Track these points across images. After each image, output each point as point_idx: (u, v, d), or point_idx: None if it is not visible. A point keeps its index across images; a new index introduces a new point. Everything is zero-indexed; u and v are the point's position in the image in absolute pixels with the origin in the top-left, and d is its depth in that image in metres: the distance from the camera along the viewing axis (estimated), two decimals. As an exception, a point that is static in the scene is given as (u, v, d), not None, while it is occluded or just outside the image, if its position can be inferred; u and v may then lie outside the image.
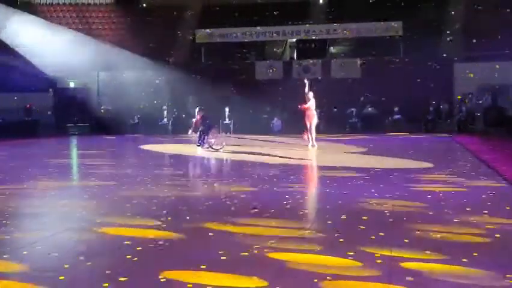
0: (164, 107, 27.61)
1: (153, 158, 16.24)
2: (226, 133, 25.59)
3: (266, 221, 6.60)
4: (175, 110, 28.01)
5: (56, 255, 5.27)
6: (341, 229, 6.13)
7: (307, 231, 6.12)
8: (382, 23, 28.61)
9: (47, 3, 33.61)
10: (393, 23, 28.41)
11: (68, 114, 27.38)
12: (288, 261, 4.99)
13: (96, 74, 29.52)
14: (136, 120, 27.44)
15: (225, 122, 26.65)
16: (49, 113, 27.48)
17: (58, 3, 33.49)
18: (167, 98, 28.52)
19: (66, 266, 4.88)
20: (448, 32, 27.89)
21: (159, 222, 6.55)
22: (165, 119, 27.38)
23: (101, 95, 29.64)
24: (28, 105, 26.91)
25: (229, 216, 6.82)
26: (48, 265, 4.98)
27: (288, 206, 7.54)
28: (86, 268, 4.87)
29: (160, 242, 5.65)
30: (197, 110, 17.43)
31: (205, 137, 16.79)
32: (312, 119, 16.68)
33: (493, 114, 24.66)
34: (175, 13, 30.66)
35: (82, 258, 5.10)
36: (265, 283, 4.39)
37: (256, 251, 5.26)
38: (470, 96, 25.96)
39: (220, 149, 16.32)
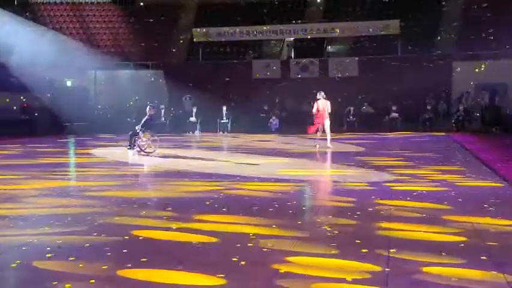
0: (162, 106, 27.54)
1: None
2: (223, 132, 25.58)
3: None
4: (172, 109, 27.96)
5: None
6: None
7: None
8: (379, 21, 28.60)
9: (44, 2, 33.57)
10: (390, 22, 28.40)
11: (65, 113, 27.28)
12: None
13: (93, 73, 29.49)
14: (133, 120, 27.34)
15: (222, 121, 26.61)
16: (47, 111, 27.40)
17: (55, 2, 33.46)
18: (164, 97, 28.49)
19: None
20: (446, 30, 27.91)
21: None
22: (163, 118, 27.32)
23: (98, 94, 29.59)
24: (25, 104, 26.82)
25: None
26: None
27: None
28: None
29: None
30: (148, 107, 16.06)
31: (136, 139, 15.30)
32: (322, 121, 16.41)
33: (491, 113, 24.68)
34: (173, 12, 30.62)
35: None
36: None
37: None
38: (467, 94, 25.97)
39: (152, 153, 15.02)
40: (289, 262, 4.92)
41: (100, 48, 30.43)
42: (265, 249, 5.32)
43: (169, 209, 7.39)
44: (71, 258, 5.06)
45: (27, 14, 32.57)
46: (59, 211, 7.36)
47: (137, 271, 4.72)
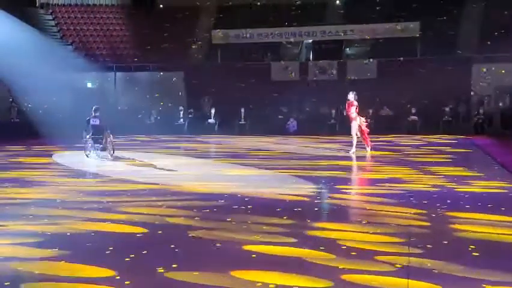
0: (181, 108, 27.70)
1: None
2: (241, 134, 25.60)
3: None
4: (191, 110, 28.08)
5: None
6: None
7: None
8: (399, 23, 28.45)
9: (65, 4, 33.95)
10: (410, 24, 28.24)
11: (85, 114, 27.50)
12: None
13: (113, 74, 29.75)
14: (152, 121, 27.55)
15: (240, 122, 26.67)
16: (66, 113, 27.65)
17: (76, 4, 33.81)
18: (183, 99, 28.63)
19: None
20: (466, 32, 27.67)
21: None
22: (181, 120, 27.47)
23: (118, 96, 29.84)
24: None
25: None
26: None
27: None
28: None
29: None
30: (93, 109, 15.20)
31: (91, 144, 14.79)
32: (352, 122, 15.70)
33: (510, 116, 24.39)
34: (192, 14, 30.74)
35: None
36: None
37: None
38: (487, 97, 25.71)
39: (106, 156, 14.66)
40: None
41: (119, 50, 30.69)
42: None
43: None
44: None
45: (50, 15, 33.01)
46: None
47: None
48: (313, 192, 8.94)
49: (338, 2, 31.64)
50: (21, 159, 15.30)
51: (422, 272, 4.62)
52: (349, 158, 14.85)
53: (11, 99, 25.93)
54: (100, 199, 8.44)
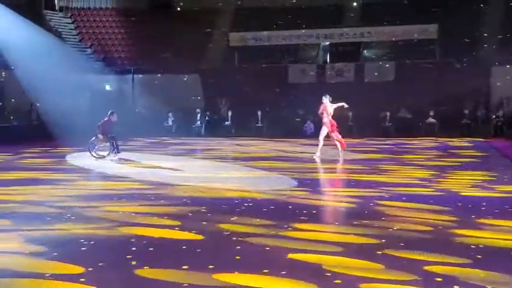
0: (198, 110, 27.80)
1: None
2: (258, 136, 25.61)
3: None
4: (208, 113, 28.18)
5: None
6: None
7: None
8: (417, 25, 28.29)
9: (83, 7, 34.29)
10: (428, 26, 28.07)
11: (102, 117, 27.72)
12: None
13: (131, 76, 29.97)
14: (170, 123, 27.69)
15: (257, 125, 26.69)
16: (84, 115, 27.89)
17: (95, 8, 34.14)
18: (200, 101, 28.73)
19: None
20: (485, 34, 27.43)
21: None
22: (198, 122, 27.57)
23: (136, 98, 30.04)
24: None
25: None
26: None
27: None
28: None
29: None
30: (109, 112, 15.43)
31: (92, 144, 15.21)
32: (323, 125, 15.41)
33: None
34: (209, 16, 30.86)
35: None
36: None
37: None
38: (507, 100, 25.42)
39: (105, 156, 14.97)
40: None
41: (137, 52, 30.89)
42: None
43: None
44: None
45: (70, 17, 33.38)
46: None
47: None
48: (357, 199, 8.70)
49: (355, 4, 31.55)
50: (42, 161, 15.46)
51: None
52: (365, 162, 14.75)
53: (31, 102, 26.21)
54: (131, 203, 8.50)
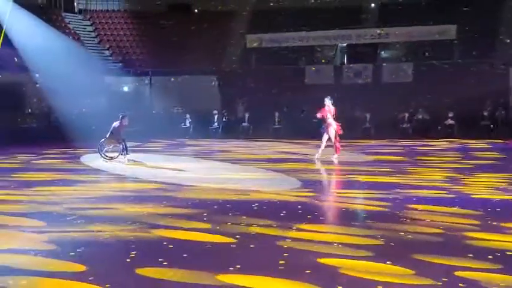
0: (215, 112, 27.86)
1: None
2: (275, 138, 25.59)
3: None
4: (225, 114, 28.22)
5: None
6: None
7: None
8: (435, 26, 28.11)
9: (102, 9, 34.57)
10: (446, 27, 27.87)
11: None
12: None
13: (148, 78, 30.16)
14: (188, 125, 27.78)
15: (274, 126, 26.67)
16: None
17: (113, 10, 34.40)
18: (217, 103, 28.78)
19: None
20: (505, 35, 27.16)
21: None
22: (215, 123, 27.63)
23: (153, 99, 30.21)
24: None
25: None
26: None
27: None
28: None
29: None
30: (121, 116, 15.40)
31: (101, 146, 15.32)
32: (328, 128, 15.25)
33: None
34: (226, 18, 30.93)
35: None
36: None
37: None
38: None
39: (114, 158, 15.06)
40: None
41: (154, 54, 31.05)
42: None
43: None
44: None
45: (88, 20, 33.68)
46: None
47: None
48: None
49: (373, 5, 31.42)
50: (59, 162, 15.60)
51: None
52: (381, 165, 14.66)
53: (49, 104, 26.44)
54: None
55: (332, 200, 8.60)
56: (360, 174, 11.81)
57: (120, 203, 8.56)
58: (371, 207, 8.02)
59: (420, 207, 7.87)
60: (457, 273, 4.80)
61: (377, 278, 4.68)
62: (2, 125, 22.21)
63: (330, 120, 15.19)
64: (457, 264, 5.04)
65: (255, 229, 6.54)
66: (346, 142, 20.93)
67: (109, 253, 5.67)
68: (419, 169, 12.88)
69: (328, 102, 15.48)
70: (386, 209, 7.76)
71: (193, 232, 6.44)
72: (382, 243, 5.86)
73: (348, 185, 10.85)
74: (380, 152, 17.57)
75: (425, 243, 5.88)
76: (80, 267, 5.07)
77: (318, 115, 15.52)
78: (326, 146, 15.22)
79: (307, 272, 4.87)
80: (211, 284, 4.59)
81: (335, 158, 14.86)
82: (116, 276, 4.86)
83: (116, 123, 15.24)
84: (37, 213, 7.73)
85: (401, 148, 19.33)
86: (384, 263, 5.10)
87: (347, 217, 7.47)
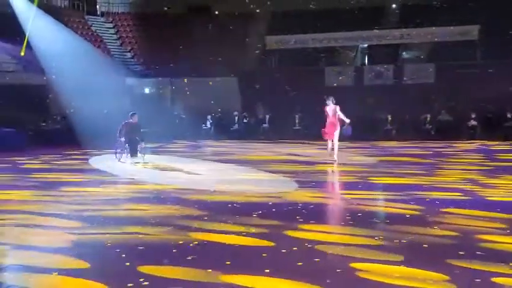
0: (235, 113, 27.94)
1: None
2: (296, 139, 25.55)
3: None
4: (245, 115, 28.27)
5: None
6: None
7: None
8: (457, 27, 27.86)
9: (124, 12, 34.87)
10: (469, 27, 27.60)
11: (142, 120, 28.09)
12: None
13: (169, 80, 30.34)
14: (208, 126, 27.91)
15: (294, 128, 26.64)
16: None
17: (135, 13, 34.65)
18: (238, 104, 28.85)
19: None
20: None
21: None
22: (236, 125, 27.70)
23: (174, 101, 30.39)
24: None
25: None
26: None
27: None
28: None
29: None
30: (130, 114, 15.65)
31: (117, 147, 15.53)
32: (335, 129, 14.98)
33: None
34: (246, 19, 30.98)
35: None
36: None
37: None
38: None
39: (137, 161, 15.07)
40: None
41: (176, 56, 31.21)
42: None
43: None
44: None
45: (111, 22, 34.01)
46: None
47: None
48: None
49: (394, 5, 31.23)
50: (78, 163, 15.77)
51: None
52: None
53: (72, 107, 26.74)
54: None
55: (361, 203, 8.46)
56: (388, 176, 11.73)
57: (143, 204, 8.63)
58: (398, 210, 7.91)
59: (445, 209, 7.77)
60: (494, 279, 4.69)
61: (411, 284, 4.59)
62: (27, 126, 22.54)
63: (337, 121, 14.97)
64: (492, 270, 4.90)
65: (288, 232, 6.46)
66: (368, 143, 20.95)
67: (153, 255, 5.67)
68: (443, 171, 12.76)
69: (331, 102, 15.25)
70: (411, 212, 7.66)
71: (231, 235, 6.36)
72: (410, 247, 5.75)
73: (377, 187, 10.69)
74: (401, 153, 17.46)
75: (454, 246, 5.76)
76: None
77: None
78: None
79: (340, 276, 4.84)
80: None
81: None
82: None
83: (126, 122, 15.33)
84: (66, 214, 7.82)
85: (423, 150, 19.17)
86: (416, 268, 4.98)
87: (373, 219, 7.37)
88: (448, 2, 29.05)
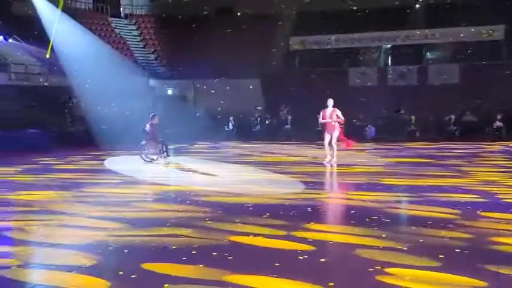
0: (258, 114, 27.94)
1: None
2: (319, 140, 25.40)
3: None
4: (268, 116, 28.25)
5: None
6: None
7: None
8: (483, 27, 27.49)
9: (147, 14, 35.13)
10: (494, 27, 27.22)
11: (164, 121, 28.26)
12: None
13: (191, 82, 30.48)
14: (231, 127, 27.94)
15: (318, 129, 26.49)
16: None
17: (158, 15, 34.86)
18: (260, 105, 28.84)
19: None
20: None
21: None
22: (258, 126, 27.69)
23: (197, 102, 30.50)
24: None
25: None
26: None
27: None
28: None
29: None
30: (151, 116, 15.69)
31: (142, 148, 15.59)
32: (334, 131, 14.49)
33: None
34: (270, 21, 30.98)
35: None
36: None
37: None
38: None
39: (154, 160, 15.24)
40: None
41: (198, 58, 31.32)
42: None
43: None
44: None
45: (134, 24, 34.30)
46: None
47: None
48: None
49: (418, 6, 30.95)
50: (97, 163, 15.89)
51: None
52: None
53: (95, 108, 27.01)
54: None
55: (393, 206, 8.28)
56: (415, 178, 11.59)
57: (165, 204, 8.65)
58: (434, 214, 7.61)
59: (481, 213, 7.54)
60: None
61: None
62: (51, 128, 22.79)
63: (336, 123, 14.59)
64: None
65: (330, 237, 6.30)
66: (393, 144, 20.75)
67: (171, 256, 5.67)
68: (473, 173, 12.54)
69: (331, 103, 14.87)
70: (447, 216, 7.49)
71: (274, 239, 6.15)
72: (443, 251, 5.52)
73: (404, 189, 10.52)
74: (424, 155, 17.26)
75: (489, 251, 5.56)
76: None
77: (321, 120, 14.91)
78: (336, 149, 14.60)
79: (378, 282, 4.69)
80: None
81: (327, 161, 14.43)
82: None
83: (148, 123, 15.44)
84: (92, 214, 7.88)
85: (448, 151, 18.92)
86: (453, 273, 4.78)
87: (403, 223, 7.23)
88: (472, 2, 28.70)
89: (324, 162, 14.38)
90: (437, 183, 10.40)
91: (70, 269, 5.09)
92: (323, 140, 14.75)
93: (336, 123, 14.50)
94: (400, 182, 10.91)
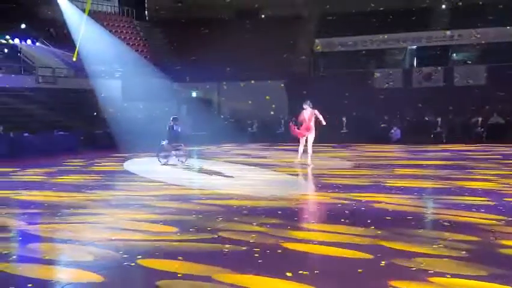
0: (282, 116, 27.91)
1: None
2: (343, 142, 25.25)
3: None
4: (293, 119, 28.12)
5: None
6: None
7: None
8: (509, 27, 27.11)
9: (167, 17, 35.33)
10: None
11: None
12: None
13: (216, 84, 30.59)
14: (254, 129, 27.96)
15: (342, 131, 26.39)
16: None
17: (183, 18, 35.04)
18: (285, 108, 28.79)
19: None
20: None
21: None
22: (282, 128, 27.64)
23: (221, 105, 30.61)
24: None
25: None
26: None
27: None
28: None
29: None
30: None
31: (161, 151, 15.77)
32: (310, 133, 14.66)
33: None
34: (294, 22, 30.95)
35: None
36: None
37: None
38: None
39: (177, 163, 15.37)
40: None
41: (223, 60, 31.42)
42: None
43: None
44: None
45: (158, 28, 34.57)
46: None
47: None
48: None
49: (443, 6, 30.63)
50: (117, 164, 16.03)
51: None
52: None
53: (119, 110, 27.28)
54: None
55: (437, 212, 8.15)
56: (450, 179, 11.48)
57: (188, 204, 8.71)
58: (468, 219, 7.54)
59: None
60: None
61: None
62: (78, 130, 23.09)
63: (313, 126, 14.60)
64: None
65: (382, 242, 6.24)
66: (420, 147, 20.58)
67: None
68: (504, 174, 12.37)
69: (306, 106, 14.87)
70: (473, 219, 7.40)
71: (330, 247, 6.12)
72: (483, 259, 5.43)
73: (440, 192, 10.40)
74: (456, 158, 17.08)
75: None
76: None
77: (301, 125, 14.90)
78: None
79: None
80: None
81: (297, 161, 14.46)
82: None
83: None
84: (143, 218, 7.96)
85: (477, 153, 18.68)
86: (501, 283, 4.67)
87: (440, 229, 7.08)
88: (499, 2, 28.31)
89: (307, 163, 14.23)
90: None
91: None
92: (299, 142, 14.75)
93: (313, 125, 14.51)
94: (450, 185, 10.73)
